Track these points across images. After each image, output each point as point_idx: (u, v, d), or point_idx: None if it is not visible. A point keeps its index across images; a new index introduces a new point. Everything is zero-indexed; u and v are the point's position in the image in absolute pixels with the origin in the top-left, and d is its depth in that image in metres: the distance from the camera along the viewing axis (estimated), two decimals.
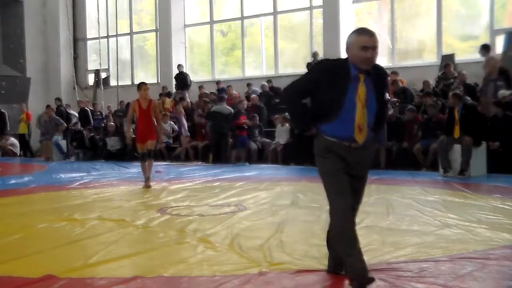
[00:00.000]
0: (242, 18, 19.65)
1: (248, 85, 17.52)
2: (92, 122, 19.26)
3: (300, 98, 3.82)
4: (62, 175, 12.37)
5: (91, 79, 23.66)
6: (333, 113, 3.66)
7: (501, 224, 5.89)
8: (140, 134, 9.77)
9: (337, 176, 3.72)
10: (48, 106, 19.72)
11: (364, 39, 3.61)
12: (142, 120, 9.71)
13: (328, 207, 3.75)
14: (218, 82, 18.49)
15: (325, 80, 3.68)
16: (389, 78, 3.88)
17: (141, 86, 9.79)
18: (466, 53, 15.31)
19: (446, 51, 15.37)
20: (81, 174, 12.47)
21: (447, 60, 14.48)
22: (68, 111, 20.17)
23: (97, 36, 22.96)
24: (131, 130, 10.50)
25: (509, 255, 4.60)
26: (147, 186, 9.69)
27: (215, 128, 15.05)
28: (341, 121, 3.65)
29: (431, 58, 15.89)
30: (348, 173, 3.75)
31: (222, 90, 17.71)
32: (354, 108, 3.63)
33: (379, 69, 3.82)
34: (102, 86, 22.25)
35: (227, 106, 15.46)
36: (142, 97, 9.73)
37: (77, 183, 10.70)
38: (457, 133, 10.56)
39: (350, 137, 3.67)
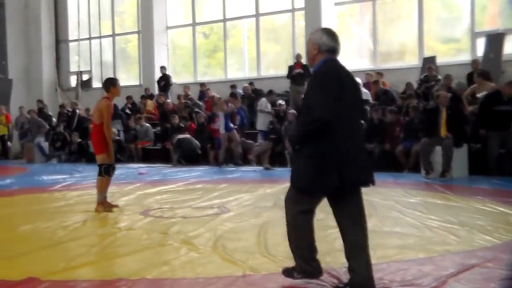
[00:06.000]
0: (225, 20, 19.59)
1: (232, 87, 17.49)
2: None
3: None
4: (45, 177, 12.26)
5: (73, 81, 23.49)
6: None
7: (482, 226, 5.96)
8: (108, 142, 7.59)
9: None
10: (22, 108, 19.70)
11: None
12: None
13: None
14: (201, 84, 18.45)
15: None
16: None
17: (117, 81, 7.80)
18: (447, 55, 15.46)
19: (427, 53, 15.48)
20: (63, 176, 12.36)
21: (429, 63, 14.58)
22: (46, 112, 19.99)
23: (79, 37, 22.83)
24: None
25: (490, 256, 4.64)
26: (108, 209, 7.50)
27: None
28: None
29: (413, 60, 15.98)
30: None
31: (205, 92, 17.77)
32: None
33: None
34: (80, 88, 22.10)
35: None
36: (114, 96, 7.74)
37: (60, 185, 10.62)
38: (444, 132, 10.59)
39: None
